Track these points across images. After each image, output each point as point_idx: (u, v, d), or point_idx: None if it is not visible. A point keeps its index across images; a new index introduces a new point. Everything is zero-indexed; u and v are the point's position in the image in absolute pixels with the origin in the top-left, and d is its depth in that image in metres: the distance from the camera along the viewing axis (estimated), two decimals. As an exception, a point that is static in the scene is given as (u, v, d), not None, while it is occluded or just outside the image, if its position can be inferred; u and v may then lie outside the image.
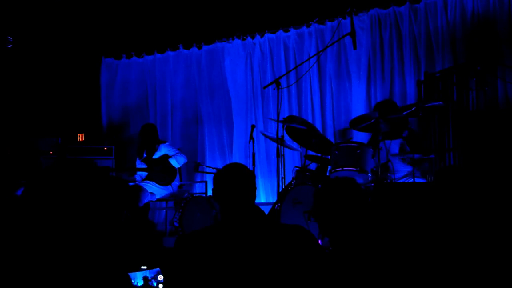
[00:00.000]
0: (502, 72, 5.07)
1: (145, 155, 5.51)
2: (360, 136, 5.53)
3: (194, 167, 5.78)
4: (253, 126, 5.23)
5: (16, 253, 1.12)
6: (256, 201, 1.99)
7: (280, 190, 4.52)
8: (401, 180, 4.62)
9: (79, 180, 1.12)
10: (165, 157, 5.41)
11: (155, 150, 5.47)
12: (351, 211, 1.95)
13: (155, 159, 5.44)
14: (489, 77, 5.00)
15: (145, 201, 5.13)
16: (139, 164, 5.53)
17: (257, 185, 2.01)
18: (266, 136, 5.34)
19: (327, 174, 4.79)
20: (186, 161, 5.54)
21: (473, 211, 2.00)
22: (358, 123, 4.37)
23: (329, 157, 4.69)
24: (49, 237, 1.11)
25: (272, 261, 1.72)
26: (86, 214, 1.13)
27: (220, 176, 1.97)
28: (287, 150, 5.37)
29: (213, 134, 6.83)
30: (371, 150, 4.38)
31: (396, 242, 1.89)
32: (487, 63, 4.97)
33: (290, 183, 4.69)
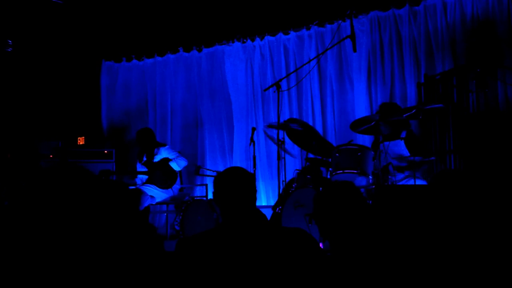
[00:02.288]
0: (502, 74, 5.06)
1: (145, 159, 5.51)
2: (362, 139, 5.53)
3: (194, 170, 5.78)
4: (253, 129, 5.22)
5: (15, 255, 1.12)
6: (257, 204, 1.99)
7: (281, 193, 4.52)
8: (401, 182, 4.61)
9: (69, 185, 1.12)
10: (166, 161, 5.41)
11: (154, 153, 5.48)
12: (350, 215, 1.96)
13: (155, 162, 5.44)
14: (489, 79, 4.99)
15: (146, 204, 5.12)
16: (140, 168, 5.53)
17: (258, 188, 2.01)
18: (267, 136, 5.34)
19: (328, 176, 4.78)
20: (186, 164, 5.53)
21: (472, 214, 2.00)
22: (358, 125, 4.35)
23: (330, 159, 4.69)
24: (47, 240, 1.11)
25: (273, 264, 1.72)
26: (84, 217, 1.12)
27: (221, 179, 1.97)
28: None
29: (213, 137, 6.82)
30: (372, 152, 4.37)
31: (398, 245, 1.89)
32: (487, 65, 4.95)
33: (290, 185, 4.67)
